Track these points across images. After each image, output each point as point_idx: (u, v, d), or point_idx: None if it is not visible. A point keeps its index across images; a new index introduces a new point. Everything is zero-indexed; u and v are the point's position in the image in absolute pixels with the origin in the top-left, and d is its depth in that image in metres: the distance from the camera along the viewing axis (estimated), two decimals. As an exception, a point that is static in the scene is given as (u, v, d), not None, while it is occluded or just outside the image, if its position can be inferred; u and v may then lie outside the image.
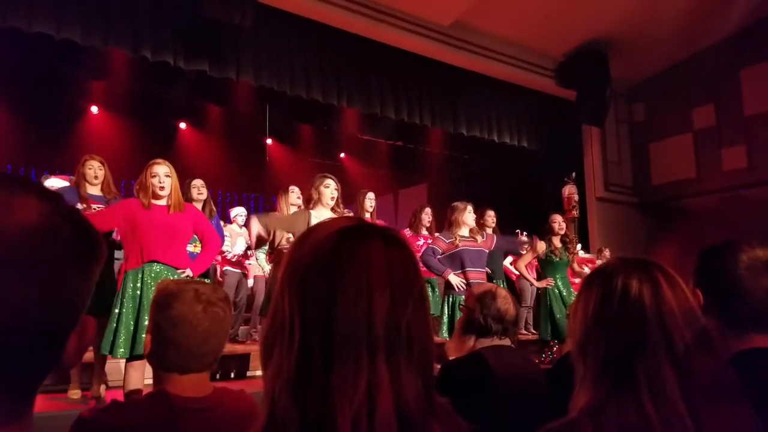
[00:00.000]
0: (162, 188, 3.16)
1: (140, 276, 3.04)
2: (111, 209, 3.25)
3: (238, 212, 6.04)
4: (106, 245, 0.58)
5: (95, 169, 3.77)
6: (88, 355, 3.63)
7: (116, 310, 3.02)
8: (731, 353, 1.19)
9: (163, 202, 3.20)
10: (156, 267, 3.07)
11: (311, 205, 3.71)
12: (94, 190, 3.76)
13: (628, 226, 8.63)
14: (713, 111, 8.11)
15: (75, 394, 3.61)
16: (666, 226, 8.52)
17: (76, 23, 4.94)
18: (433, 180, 10.87)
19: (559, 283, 4.70)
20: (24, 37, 4.98)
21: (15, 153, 7.30)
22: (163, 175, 3.17)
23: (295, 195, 4.81)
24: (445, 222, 4.63)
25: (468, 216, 4.49)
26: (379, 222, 4.27)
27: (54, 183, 4.31)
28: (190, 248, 3.62)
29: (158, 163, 3.23)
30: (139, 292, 3.01)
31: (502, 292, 2.05)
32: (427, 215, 5.24)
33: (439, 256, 4.32)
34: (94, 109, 8.49)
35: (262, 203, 10.76)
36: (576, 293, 4.36)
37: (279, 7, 5.94)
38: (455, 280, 4.22)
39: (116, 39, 5.16)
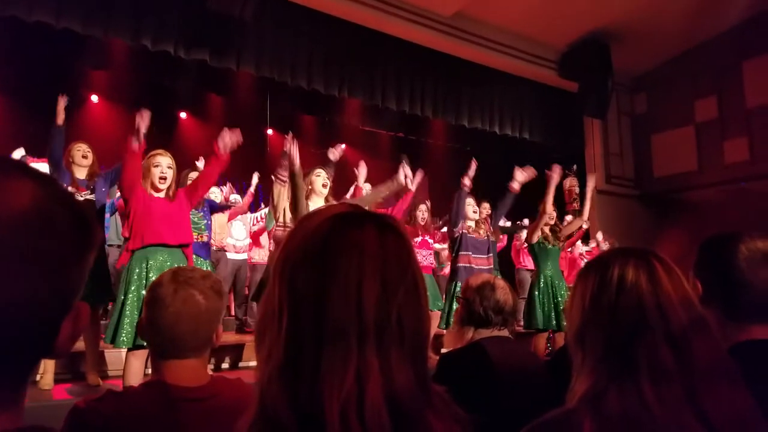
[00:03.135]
0: (163, 179, 3.16)
1: (145, 264, 3.04)
2: (129, 164, 3.15)
3: (232, 199, 6.05)
4: (101, 231, 0.57)
5: (84, 150, 3.77)
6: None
7: (121, 298, 3.01)
8: (730, 344, 1.19)
9: (162, 194, 3.21)
10: (160, 255, 3.07)
11: (307, 197, 3.67)
12: (81, 173, 3.75)
13: (630, 218, 8.62)
14: (715, 103, 8.07)
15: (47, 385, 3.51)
16: (667, 218, 8.51)
17: (76, 12, 4.91)
18: (434, 171, 10.83)
19: (548, 272, 4.72)
20: (24, 27, 4.95)
21: (14, 142, 7.26)
22: (165, 166, 3.19)
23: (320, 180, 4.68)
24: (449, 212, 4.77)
25: (468, 209, 4.64)
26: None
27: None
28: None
29: (161, 154, 3.23)
30: (144, 282, 3.00)
31: (501, 282, 2.05)
32: (421, 212, 5.31)
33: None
34: (95, 98, 8.46)
35: (263, 193, 10.75)
36: (569, 284, 4.40)
37: (280, -3, 5.92)
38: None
39: (116, 28, 5.13)
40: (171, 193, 3.22)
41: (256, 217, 6.28)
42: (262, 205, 6.87)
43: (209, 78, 7.13)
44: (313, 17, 6.15)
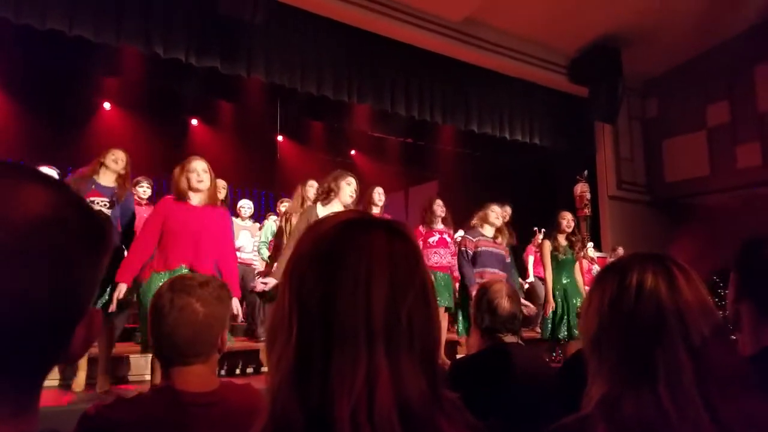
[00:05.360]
0: (201, 181, 3.09)
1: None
2: (149, 225, 3.09)
3: (243, 204, 6.04)
4: (116, 235, 0.57)
5: (118, 157, 3.69)
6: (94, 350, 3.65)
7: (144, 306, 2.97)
8: (764, 344, 1.18)
9: (197, 200, 3.12)
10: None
11: (324, 199, 3.50)
12: (107, 178, 3.65)
13: (641, 224, 8.55)
14: (728, 107, 7.99)
15: (79, 386, 3.61)
16: (679, 224, 8.43)
17: (89, 19, 4.96)
18: (444, 177, 10.83)
19: (564, 282, 4.64)
20: (37, 34, 5.01)
21: (28, 149, 7.35)
22: (201, 170, 3.11)
23: (312, 190, 4.45)
24: (471, 219, 4.68)
25: (491, 215, 4.53)
26: (387, 216, 4.23)
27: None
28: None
29: (196, 159, 3.16)
30: None
31: (497, 286, 2.02)
32: (439, 206, 5.18)
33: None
34: (107, 105, 8.55)
35: (273, 200, 10.80)
36: (587, 291, 4.32)
37: (290, 4, 5.94)
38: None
39: (128, 35, 5.18)
40: (207, 195, 3.13)
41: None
42: (275, 209, 6.88)
43: (220, 85, 7.17)
44: (322, 23, 6.18)
